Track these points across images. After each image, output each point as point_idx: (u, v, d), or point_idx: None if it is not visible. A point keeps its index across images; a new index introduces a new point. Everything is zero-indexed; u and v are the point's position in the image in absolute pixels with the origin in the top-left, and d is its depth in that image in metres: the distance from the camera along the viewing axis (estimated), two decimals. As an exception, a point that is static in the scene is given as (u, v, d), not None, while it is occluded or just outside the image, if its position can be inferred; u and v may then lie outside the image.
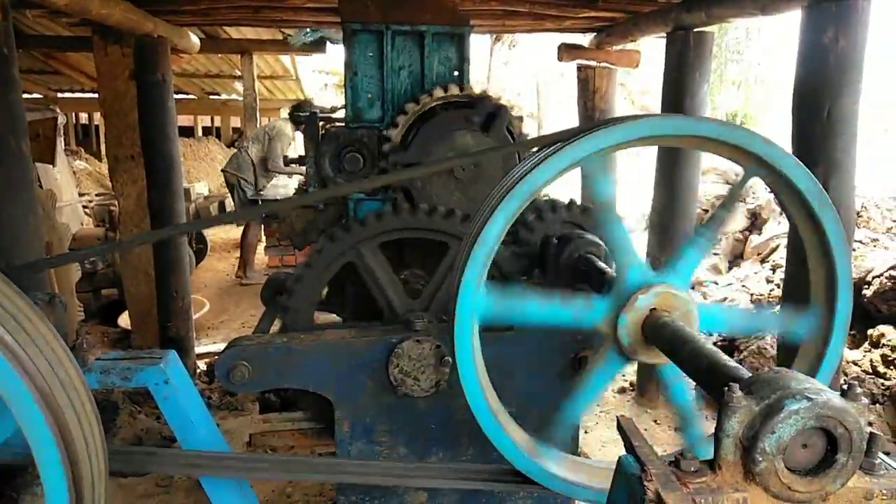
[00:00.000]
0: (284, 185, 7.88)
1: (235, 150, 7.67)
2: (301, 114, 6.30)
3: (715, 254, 7.24)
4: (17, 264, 2.39)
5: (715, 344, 1.58)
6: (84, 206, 7.52)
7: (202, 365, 5.00)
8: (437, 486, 2.47)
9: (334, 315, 3.27)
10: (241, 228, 7.65)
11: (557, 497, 2.61)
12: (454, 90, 2.95)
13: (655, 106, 6.80)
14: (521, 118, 3.08)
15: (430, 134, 2.88)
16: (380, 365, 2.42)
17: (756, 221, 7.49)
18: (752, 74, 14.46)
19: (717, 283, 6.64)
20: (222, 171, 7.63)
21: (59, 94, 12.42)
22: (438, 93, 2.94)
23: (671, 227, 4.17)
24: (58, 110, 7.76)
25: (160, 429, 3.77)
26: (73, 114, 14.91)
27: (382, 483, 2.41)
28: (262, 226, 7.94)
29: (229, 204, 8.32)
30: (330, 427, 2.60)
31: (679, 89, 3.98)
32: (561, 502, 2.69)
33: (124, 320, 5.45)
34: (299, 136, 7.71)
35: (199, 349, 5.22)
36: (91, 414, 1.57)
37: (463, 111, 2.91)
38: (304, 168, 7.34)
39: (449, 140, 2.86)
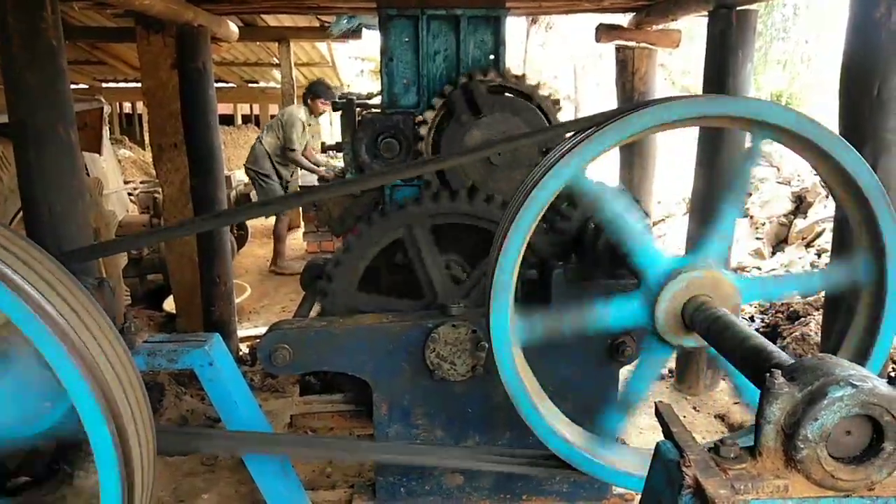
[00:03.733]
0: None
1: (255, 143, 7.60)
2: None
3: (758, 238, 7.06)
4: (71, 250, 2.47)
5: (757, 330, 1.55)
6: (129, 194, 7.70)
7: (244, 348, 5.12)
8: (475, 468, 2.49)
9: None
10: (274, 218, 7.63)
11: (594, 482, 2.61)
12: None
13: (697, 87, 6.63)
14: (557, 101, 3.04)
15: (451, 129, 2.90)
16: (416, 349, 2.45)
17: (801, 205, 7.28)
18: (798, 53, 13.98)
19: (759, 269, 6.50)
20: (244, 166, 7.56)
21: (104, 84, 12.72)
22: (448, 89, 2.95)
23: (713, 211, 4.08)
24: (103, 100, 7.95)
25: (205, 410, 3.87)
26: (117, 103, 15.26)
27: (422, 463, 2.44)
28: (301, 212, 7.98)
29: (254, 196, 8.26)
30: (369, 409, 2.64)
31: (721, 70, 3.87)
32: (598, 487, 2.69)
33: (169, 304, 5.59)
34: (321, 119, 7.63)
35: (241, 333, 5.34)
36: (139, 394, 1.63)
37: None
38: (322, 166, 7.36)
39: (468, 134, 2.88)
